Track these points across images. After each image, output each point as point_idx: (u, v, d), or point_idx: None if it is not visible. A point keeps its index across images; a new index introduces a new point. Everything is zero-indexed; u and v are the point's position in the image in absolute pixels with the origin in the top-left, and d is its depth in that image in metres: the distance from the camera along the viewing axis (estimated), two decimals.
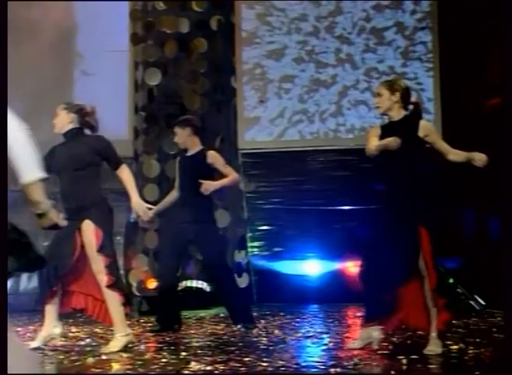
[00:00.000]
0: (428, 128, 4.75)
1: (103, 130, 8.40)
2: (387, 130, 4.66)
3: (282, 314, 6.97)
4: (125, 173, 5.16)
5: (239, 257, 8.16)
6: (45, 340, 5.08)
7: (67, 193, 5.02)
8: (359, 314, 6.21)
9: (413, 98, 4.90)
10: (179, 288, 7.81)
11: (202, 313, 7.28)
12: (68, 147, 5.12)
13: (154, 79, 8.15)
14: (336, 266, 8.19)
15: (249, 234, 8.34)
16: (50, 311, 5.09)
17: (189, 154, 6.13)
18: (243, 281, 8.05)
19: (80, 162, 5.02)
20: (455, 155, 4.72)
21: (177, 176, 6.14)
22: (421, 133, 4.65)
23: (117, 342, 4.92)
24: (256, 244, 8.36)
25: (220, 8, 8.38)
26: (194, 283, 7.90)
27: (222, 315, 7.05)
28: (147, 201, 7.92)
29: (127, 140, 8.37)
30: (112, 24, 8.37)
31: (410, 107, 4.81)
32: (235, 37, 8.48)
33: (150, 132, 8.19)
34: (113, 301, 4.93)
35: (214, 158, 5.99)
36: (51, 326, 5.11)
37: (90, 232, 4.95)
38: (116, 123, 8.38)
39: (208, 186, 5.75)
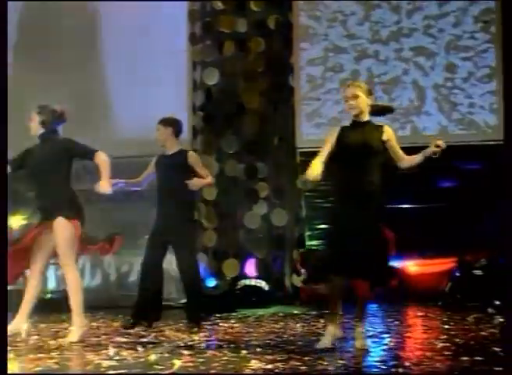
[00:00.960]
0: (391, 133, 4.85)
1: None
2: (353, 131, 4.80)
3: (341, 313, 6.92)
4: (100, 159, 5.36)
5: (297, 256, 8.15)
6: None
7: (42, 193, 5.36)
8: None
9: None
10: (238, 287, 7.90)
11: (261, 312, 7.29)
12: (42, 149, 5.41)
13: (213, 78, 8.23)
14: (395, 264, 8.10)
15: (307, 233, 8.33)
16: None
17: (168, 153, 6.22)
18: (299, 280, 8.06)
19: (54, 164, 5.32)
20: (409, 160, 4.81)
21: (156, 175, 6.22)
22: (384, 137, 4.78)
23: (76, 333, 5.22)
24: (314, 242, 8.34)
25: (278, 7, 8.39)
26: (253, 282, 7.93)
27: (280, 314, 7.07)
28: (206, 201, 8.10)
29: (186, 139, 8.45)
30: (170, 25, 8.47)
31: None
32: (293, 36, 8.46)
33: (208, 131, 8.26)
34: (74, 292, 5.26)
35: (194, 159, 6.15)
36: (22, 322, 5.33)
37: (61, 228, 5.21)
38: None
39: (198, 182, 5.91)
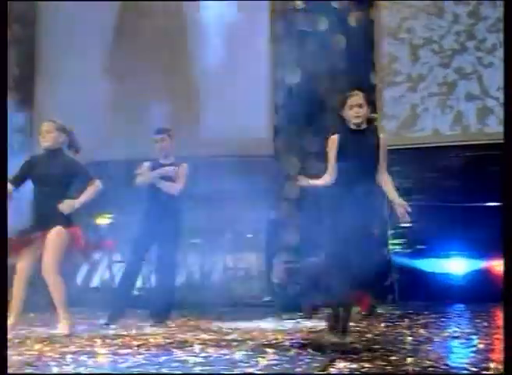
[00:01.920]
0: (385, 143, 5.05)
1: (244, 129, 8.62)
2: (353, 138, 5.00)
3: (426, 313, 6.84)
4: (93, 185, 5.73)
5: (381, 255, 8.06)
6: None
7: (42, 202, 5.64)
8: None
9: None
10: None
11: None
12: (51, 163, 5.69)
13: (294, 77, 8.22)
14: (482, 264, 7.93)
15: (390, 232, 8.23)
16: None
17: (164, 162, 6.56)
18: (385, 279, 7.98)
19: (59, 181, 5.64)
20: (385, 184, 5.02)
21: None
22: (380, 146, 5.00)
23: (66, 326, 5.58)
24: (397, 241, 8.24)
25: (359, 4, 8.32)
26: None
27: (363, 313, 7.01)
28: (288, 199, 8.12)
29: (268, 139, 8.50)
30: (252, 24, 8.52)
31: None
32: (374, 34, 8.38)
33: (289, 131, 8.26)
34: (59, 296, 5.58)
35: (183, 169, 6.52)
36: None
37: (56, 236, 5.56)
38: (257, 122, 8.56)
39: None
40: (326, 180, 5.16)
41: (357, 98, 5.02)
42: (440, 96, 8.29)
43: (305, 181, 5.28)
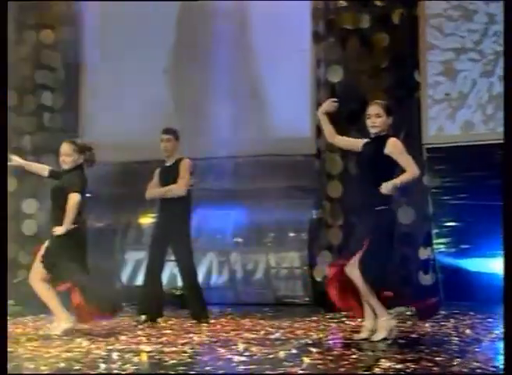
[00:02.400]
0: (395, 145, 5.24)
1: (287, 128, 8.64)
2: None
3: (472, 313, 6.75)
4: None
5: (424, 254, 7.99)
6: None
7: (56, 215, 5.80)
8: None
9: None
10: None
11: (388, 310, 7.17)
12: (62, 177, 5.92)
13: (336, 76, 8.18)
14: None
15: (434, 231, 8.14)
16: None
17: (168, 164, 6.56)
18: (428, 279, 7.90)
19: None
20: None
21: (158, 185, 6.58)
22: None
23: (61, 327, 5.61)
24: (442, 240, 8.14)
25: (402, 1, 8.24)
26: None
27: (408, 312, 6.94)
28: (331, 198, 8.08)
29: (310, 138, 8.48)
30: (294, 23, 8.52)
31: None
32: (418, 30, 8.29)
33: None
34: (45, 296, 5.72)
35: (184, 166, 6.42)
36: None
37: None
38: (299, 121, 8.54)
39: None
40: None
41: (375, 107, 5.24)
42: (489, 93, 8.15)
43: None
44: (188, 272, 6.54)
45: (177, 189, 6.41)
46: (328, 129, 5.54)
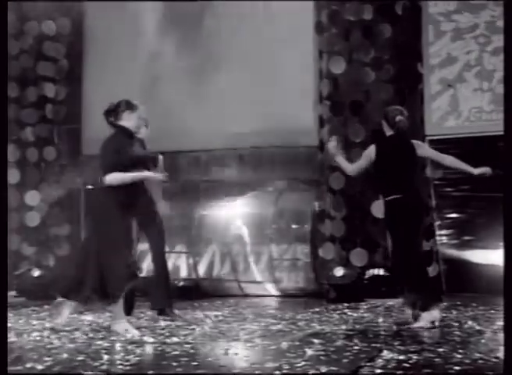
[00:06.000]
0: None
1: (289, 120, 8.58)
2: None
3: (474, 305, 6.75)
4: None
5: (427, 246, 7.99)
6: None
7: None
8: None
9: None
10: (367, 276, 7.82)
11: (390, 302, 7.20)
12: None
13: (339, 67, 8.16)
14: None
15: (437, 222, 8.14)
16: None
17: None
18: (431, 270, 7.89)
19: None
20: None
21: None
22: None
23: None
24: (444, 232, 8.14)
25: None
26: (382, 272, 7.84)
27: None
28: (333, 190, 8.08)
29: (312, 129, 8.47)
30: (296, 14, 8.48)
31: None
32: (421, 21, 8.26)
33: (335, 120, 8.21)
34: None
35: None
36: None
37: None
38: (302, 113, 8.52)
39: None
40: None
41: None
42: (489, 84, 8.13)
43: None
44: (157, 259, 6.31)
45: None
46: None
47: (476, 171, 5.75)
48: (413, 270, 5.50)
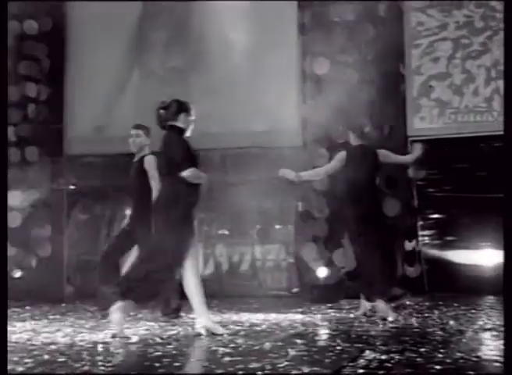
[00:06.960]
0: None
1: (273, 120, 8.57)
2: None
3: (456, 305, 6.79)
4: None
5: (409, 246, 8.02)
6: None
7: None
8: None
9: None
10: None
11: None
12: None
13: (322, 68, 8.17)
14: None
15: (420, 223, 8.18)
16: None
17: (135, 160, 6.41)
18: (414, 271, 7.93)
19: None
20: None
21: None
22: None
23: None
24: (427, 232, 8.18)
25: None
26: None
27: (392, 305, 6.97)
28: (316, 190, 8.09)
29: (296, 130, 8.47)
30: (280, 14, 8.49)
31: None
32: (403, 23, 8.29)
33: (318, 121, 8.22)
34: None
35: (148, 163, 6.19)
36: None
37: None
38: (285, 114, 8.51)
39: None
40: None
41: None
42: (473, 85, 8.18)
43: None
44: None
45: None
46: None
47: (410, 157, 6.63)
48: (367, 263, 6.04)
